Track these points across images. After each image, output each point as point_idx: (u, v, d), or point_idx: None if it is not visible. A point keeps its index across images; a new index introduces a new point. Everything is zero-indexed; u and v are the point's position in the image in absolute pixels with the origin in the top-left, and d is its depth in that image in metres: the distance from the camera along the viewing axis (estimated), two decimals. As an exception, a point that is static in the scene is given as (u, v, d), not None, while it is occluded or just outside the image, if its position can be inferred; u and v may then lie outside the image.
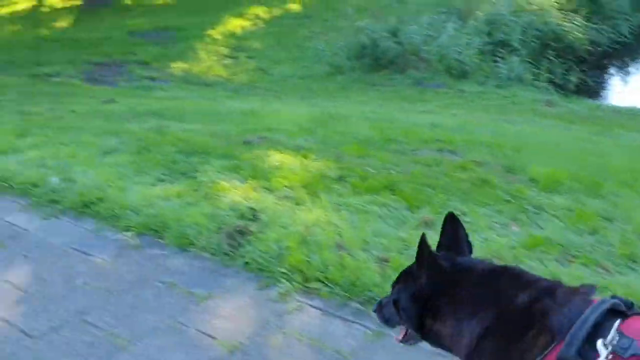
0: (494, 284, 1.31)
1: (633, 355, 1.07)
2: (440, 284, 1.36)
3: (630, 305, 1.19)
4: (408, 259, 2.76)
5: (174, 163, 4.38)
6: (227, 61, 11.72)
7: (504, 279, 1.32)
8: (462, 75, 10.13)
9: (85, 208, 3.71)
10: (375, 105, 8.56)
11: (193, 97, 8.92)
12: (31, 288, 2.94)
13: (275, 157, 4.48)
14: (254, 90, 10.05)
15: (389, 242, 2.95)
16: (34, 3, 22.29)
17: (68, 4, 20.01)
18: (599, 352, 1.09)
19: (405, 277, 1.46)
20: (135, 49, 12.24)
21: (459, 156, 4.90)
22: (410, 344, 1.56)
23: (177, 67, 11.27)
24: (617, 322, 1.12)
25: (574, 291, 1.24)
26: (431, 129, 6.17)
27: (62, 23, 15.91)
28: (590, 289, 1.25)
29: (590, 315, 1.14)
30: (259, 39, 12.90)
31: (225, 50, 12.29)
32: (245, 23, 13.99)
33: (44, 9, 19.80)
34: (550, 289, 1.25)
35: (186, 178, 4.10)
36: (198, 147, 4.73)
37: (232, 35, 13.31)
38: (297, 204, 3.49)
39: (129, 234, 3.39)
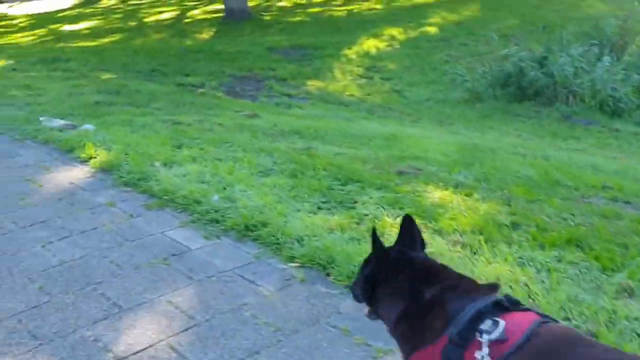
0: (419, 276, 1.62)
1: (498, 339, 1.34)
2: (384, 271, 1.68)
3: (515, 303, 1.47)
4: (618, 336, 2.41)
5: (330, 190, 4.24)
6: (362, 81, 11.62)
7: (427, 273, 1.62)
8: (616, 113, 9.44)
9: (247, 231, 3.63)
10: (522, 138, 8.11)
11: (330, 116, 8.86)
12: (198, 315, 2.85)
13: (436, 194, 4.22)
14: (389, 112, 9.86)
15: (590, 311, 2.61)
16: (178, 13, 23.48)
17: (209, 16, 20.88)
18: (476, 336, 1.38)
19: (365, 262, 1.78)
20: (274, 65, 12.43)
21: (636, 208, 4.44)
22: (373, 319, 1.79)
23: (314, 85, 11.30)
24: (498, 313, 1.41)
25: (475, 287, 1.55)
26: (594, 173, 5.69)
27: (204, 34, 16.52)
28: (493, 286, 1.54)
29: (476, 306, 1.44)
30: (394, 60, 12.72)
31: (360, 70, 12.21)
32: (381, 44, 13.87)
33: (187, 20, 20.77)
34: (456, 284, 1.56)
35: (345, 208, 3.93)
36: (352, 175, 4.56)
37: (367, 55, 13.23)
38: (474, 252, 3.22)
39: (293, 265, 3.25)
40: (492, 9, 16.34)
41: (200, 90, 10.40)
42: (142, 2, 30.13)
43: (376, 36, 14.44)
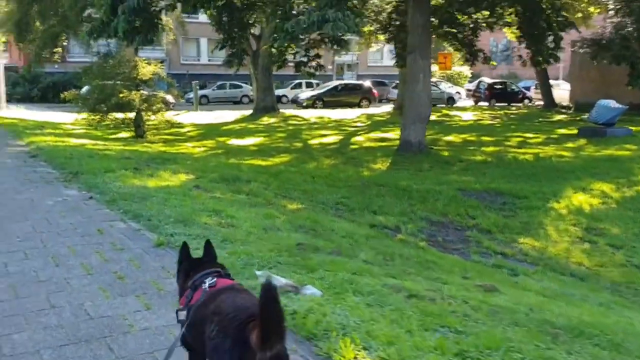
0: (195, 268, 2.96)
1: (212, 286, 2.73)
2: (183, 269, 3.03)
3: (227, 275, 2.94)
4: None
5: None
6: (584, 245, 9.66)
7: (199, 266, 2.95)
8: None
9: None
10: None
11: (576, 296, 6.95)
12: None
13: None
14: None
15: None
16: (341, 137, 22.96)
17: (375, 144, 20.03)
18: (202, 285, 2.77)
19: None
20: (471, 212, 10.84)
21: None
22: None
23: (527, 243, 9.49)
24: (214, 277, 2.82)
25: (210, 267, 2.95)
26: None
27: (379, 165, 15.44)
28: (217, 269, 2.96)
29: (204, 273, 2.85)
30: (616, 224, 10.68)
31: (577, 231, 10.28)
32: (593, 200, 11.92)
33: (353, 146, 20.03)
34: (203, 268, 2.92)
35: None
36: None
37: (580, 212, 11.30)
38: None
39: None
40: None
41: (398, 235, 8.91)
42: (301, 122, 30.44)
43: (584, 190, 12.54)
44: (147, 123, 19.94)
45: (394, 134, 23.94)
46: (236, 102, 44.49)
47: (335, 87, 41.12)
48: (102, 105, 18.86)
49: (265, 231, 7.22)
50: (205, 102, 40.96)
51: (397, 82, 43.60)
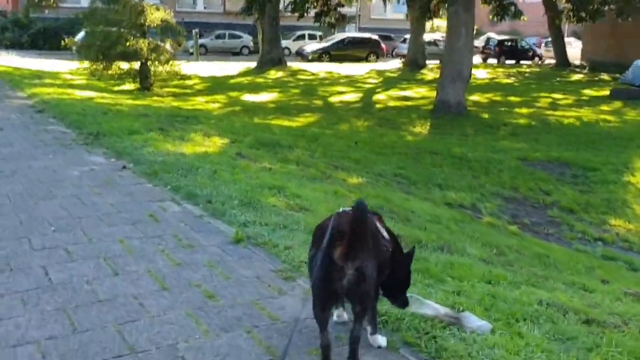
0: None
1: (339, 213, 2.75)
2: None
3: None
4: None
5: None
6: (682, 230, 8.44)
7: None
8: None
9: None
10: None
11: None
12: None
13: None
14: None
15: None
16: (361, 95, 21.48)
17: (402, 104, 18.63)
18: None
19: None
20: (543, 186, 9.60)
21: None
22: None
23: (620, 226, 8.28)
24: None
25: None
26: None
27: (418, 128, 14.10)
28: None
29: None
30: None
31: (669, 212, 9.07)
32: (671, 173, 10.70)
33: (378, 105, 18.61)
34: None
35: None
36: None
37: (660, 188, 10.09)
38: None
39: None
40: None
41: (485, 218, 7.64)
42: (310, 77, 28.81)
43: (656, 161, 11.33)
44: (154, 74, 18.28)
45: (413, 92, 22.60)
46: (235, 53, 42.51)
47: (342, 41, 39.22)
48: (105, 54, 17.13)
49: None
50: (204, 52, 38.91)
51: (406, 36, 41.90)
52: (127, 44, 16.80)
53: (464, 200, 8.29)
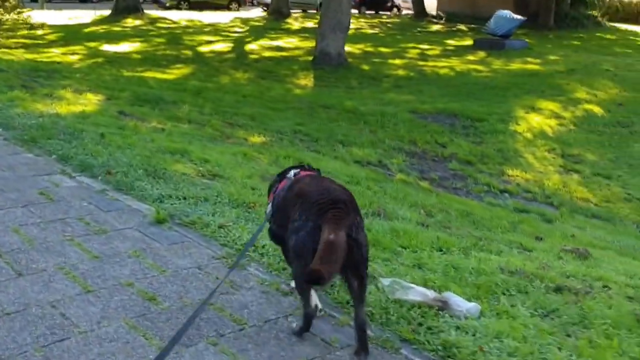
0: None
1: (295, 175, 2.84)
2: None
3: (311, 168, 3.06)
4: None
5: None
6: (574, 176, 8.77)
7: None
8: None
9: None
10: None
11: (606, 238, 5.96)
12: None
13: None
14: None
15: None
16: (232, 45, 20.48)
17: (276, 54, 17.97)
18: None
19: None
20: (439, 139, 9.56)
21: None
22: None
23: (518, 176, 8.41)
24: (298, 169, 2.95)
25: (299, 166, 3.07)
26: None
27: (302, 80, 13.58)
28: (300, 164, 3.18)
29: (289, 168, 3.00)
30: (588, 148, 9.97)
31: (555, 159, 9.40)
32: (550, 122, 11.14)
33: (252, 55, 17.79)
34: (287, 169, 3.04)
35: None
36: None
37: (544, 136, 10.47)
38: None
39: None
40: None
41: (397, 175, 7.38)
42: (172, 25, 27.13)
43: (534, 110, 11.73)
44: (-1, 23, 16.13)
45: (284, 42, 21.96)
46: (83, 1, 39.12)
47: (202, -13, 37.29)
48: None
49: (264, 182, 5.33)
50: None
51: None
52: (-36, -14, 14.58)
53: (370, 157, 7.98)
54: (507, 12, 21.45)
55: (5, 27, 16.34)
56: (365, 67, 15.52)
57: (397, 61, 18.08)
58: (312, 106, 10.57)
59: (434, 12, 39.57)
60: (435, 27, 33.24)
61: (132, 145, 5.67)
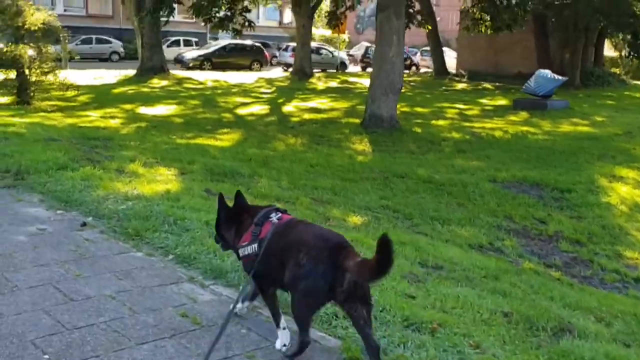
0: (244, 210, 3.28)
1: (279, 219, 3.07)
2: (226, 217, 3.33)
3: (283, 211, 3.20)
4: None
5: None
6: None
7: (249, 208, 3.33)
8: None
9: None
10: None
11: None
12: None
13: None
14: None
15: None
16: (269, 106, 19.97)
17: (314, 116, 17.39)
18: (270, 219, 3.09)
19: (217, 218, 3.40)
20: (535, 213, 8.77)
21: None
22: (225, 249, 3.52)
23: (635, 258, 7.55)
24: (279, 212, 3.16)
25: (264, 207, 3.26)
26: None
27: (357, 145, 12.89)
28: (275, 207, 3.26)
29: (266, 211, 3.16)
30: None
31: (663, 236, 8.54)
32: (638, 192, 10.35)
33: (294, 118, 17.21)
34: (257, 209, 3.25)
35: None
36: None
37: (637, 206, 9.65)
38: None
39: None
40: None
41: (522, 263, 6.55)
42: (198, 86, 26.79)
43: (615, 178, 10.99)
44: (35, 85, 15.57)
45: (317, 103, 21.49)
46: (103, 60, 39.16)
47: (224, 47, 37.24)
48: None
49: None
50: (69, 59, 35.25)
51: (288, 44, 40.92)
52: (5, 50, 14.07)
53: (479, 240, 7.16)
54: (547, 72, 20.99)
55: (40, 89, 15.79)
56: (417, 130, 14.87)
57: (441, 122, 17.49)
58: (385, 176, 9.82)
59: (453, 70, 39.50)
60: (460, 86, 32.95)
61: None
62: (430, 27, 31.01)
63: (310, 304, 2.86)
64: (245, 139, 12.70)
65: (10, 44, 14.53)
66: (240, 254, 3.15)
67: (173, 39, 40.50)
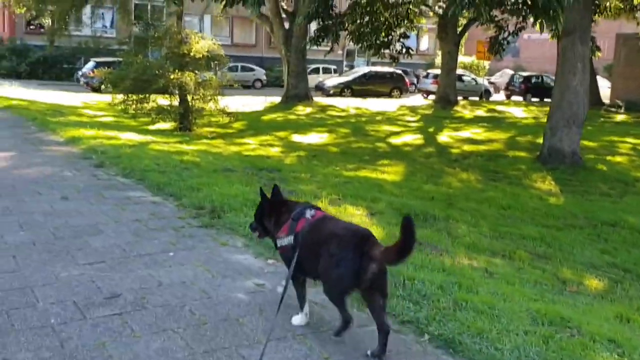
0: (282, 204, 3.55)
1: (313, 216, 3.36)
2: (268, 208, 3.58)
3: (318, 208, 3.51)
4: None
5: None
6: None
7: (285, 205, 3.56)
8: None
9: None
10: None
11: None
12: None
13: None
14: None
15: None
16: (423, 136, 19.05)
17: (479, 148, 16.18)
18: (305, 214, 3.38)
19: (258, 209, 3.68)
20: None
21: None
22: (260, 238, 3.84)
23: None
24: (313, 209, 3.44)
25: (302, 203, 3.57)
26: None
27: (540, 183, 11.58)
28: (309, 204, 3.59)
29: (303, 208, 3.44)
30: None
31: None
32: None
33: (454, 150, 16.14)
34: (294, 204, 3.53)
35: None
36: None
37: None
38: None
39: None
40: None
41: None
42: (341, 113, 26.45)
43: None
44: (197, 112, 15.69)
45: (471, 133, 20.29)
46: (247, 87, 40.05)
47: (365, 75, 36.94)
48: (142, 88, 14.51)
49: None
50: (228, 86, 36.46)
51: (430, 71, 39.97)
52: (172, 77, 14.22)
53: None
54: None
55: (201, 115, 15.90)
56: (602, 167, 13.30)
57: (619, 158, 15.74)
58: (592, 223, 8.53)
59: (606, 101, 36.62)
60: (619, 117, 30.35)
61: (509, 313, 3.84)
62: (600, 55, 28.84)
63: (340, 288, 3.14)
64: (412, 173, 11.85)
65: (176, 70, 14.68)
66: (278, 244, 3.45)
67: (313, 66, 40.77)
